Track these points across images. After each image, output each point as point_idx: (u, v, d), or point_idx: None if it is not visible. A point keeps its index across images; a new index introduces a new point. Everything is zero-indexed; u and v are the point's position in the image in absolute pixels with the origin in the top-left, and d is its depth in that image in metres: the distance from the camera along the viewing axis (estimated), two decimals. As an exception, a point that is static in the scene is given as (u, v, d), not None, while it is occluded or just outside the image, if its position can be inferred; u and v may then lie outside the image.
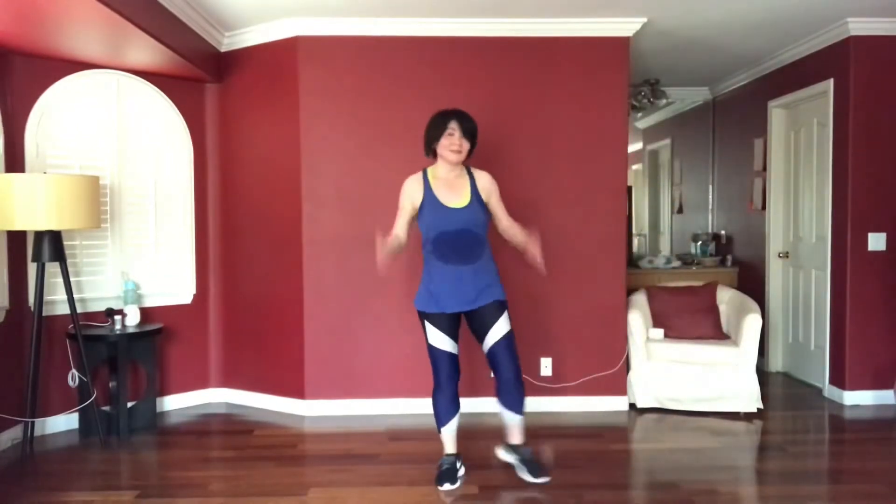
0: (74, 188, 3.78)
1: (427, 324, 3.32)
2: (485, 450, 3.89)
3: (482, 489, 3.33)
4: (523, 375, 4.52)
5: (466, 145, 3.28)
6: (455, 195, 3.28)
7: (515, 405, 3.37)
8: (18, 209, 3.68)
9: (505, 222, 3.42)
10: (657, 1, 4.13)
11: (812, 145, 5.19)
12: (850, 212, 4.68)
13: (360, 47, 4.51)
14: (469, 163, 3.43)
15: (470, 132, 3.29)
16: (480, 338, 3.35)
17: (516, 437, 3.45)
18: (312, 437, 4.20)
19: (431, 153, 3.35)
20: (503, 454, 3.53)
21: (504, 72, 4.55)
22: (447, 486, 3.30)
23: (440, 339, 3.30)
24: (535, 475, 3.36)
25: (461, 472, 3.42)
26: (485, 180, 3.37)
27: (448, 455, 3.43)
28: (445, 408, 3.37)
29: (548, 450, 3.84)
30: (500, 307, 3.32)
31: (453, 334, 3.34)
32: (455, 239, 3.24)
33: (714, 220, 6.65)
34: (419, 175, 3.35)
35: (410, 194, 3.31)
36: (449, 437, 3.43)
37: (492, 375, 3.47)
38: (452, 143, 3.25)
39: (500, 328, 3.30)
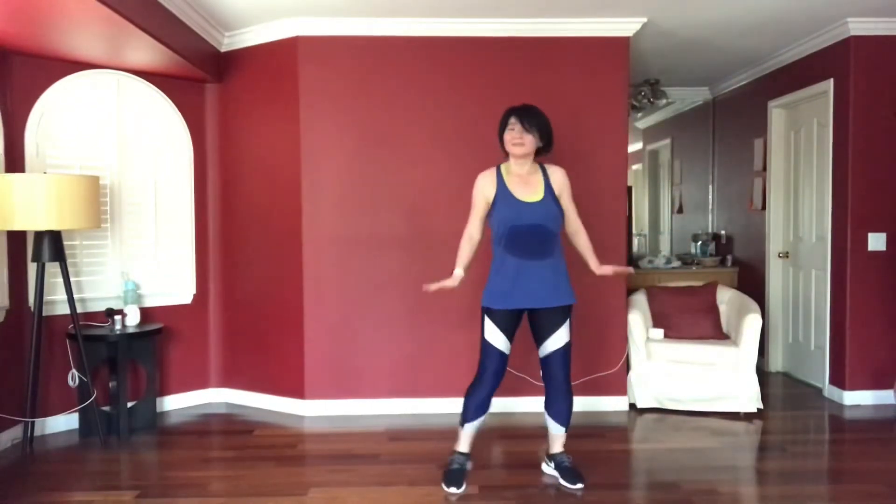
0: (74, 188, 3.78)
1: (486, 318, 3.30)
2: (485, 450, 3.90)
3: (482, 489, 3.33)
4: (522, 375, 4.54)
5: (529, 138, 3.26)
6: (529, 190, 3.28)
7: (562, 417, 3.39)
8: (18, 209, 3.68)
9: (574, 224, 3.43)
10: (657, 1, 4.13)
11: (812, 145, 5.19)
12: (850, 212, 4.68)
13: (361, 47, 4.51)
14: (543, 160, 3.42)
15: (535, 125, 3.26)
16: (539, 340, 3.35)
17: (557, 447, 3.45)
18: (312, 437, 4.20)
19: (503, 149, 3.36)
20: (546, 468, 3.52)
21: (504, 72, 4.55)
22: (453, 490, 3.28)
23: (496, 337, 3.28)
24: (569, 481, 3.34)
25: (469, 469, 3.42)
26: (558, 175, 3.37)
27: (460, 453, 3.40)
28: (478, 403, 3.32)
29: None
30: (564, 313, 3.32)
31: (510, 333, 3.31)
32: (528, 234, 3.24)
33: (714, 220, 6.65)
34: (493, 170, 3.34)
35: (483, 189, 3.30)
36: (469, 434, 3.40)
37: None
38: (514, 136, 3.26)
39: (559, 338, 3.31)
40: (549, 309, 3.29)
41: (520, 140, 3.25)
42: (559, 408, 3.38)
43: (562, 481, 3.37)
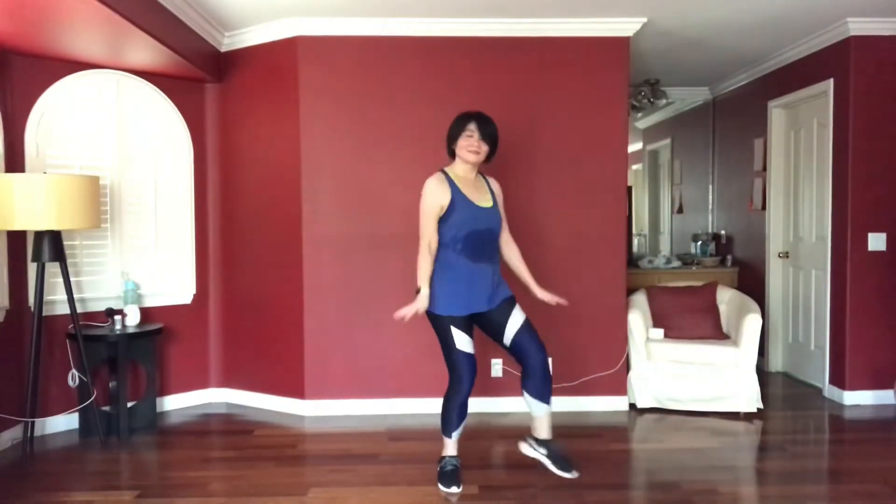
0: (74, 188, 3.78)
1: (452, 328, 3.25)
2: (485, 450, 3.90)
3: (482, 489, 3.33)
4: (518, 373, 4.54)
5: (485, 147, 3.30)
6: (480, 195, 3.34)
7: (543, 394, 3.28)
8: (18, 209, 3.68)
9: (507, 234, 3.51)
10: (657, 1, 4.13)
11: (812, 145, 5.19)
12: (850, 212, 4.68)
13: (360, 47, 4.51)
14: (483, 168, 3.44)
15: (490, 136, 3.31)
16: (499, 335, 3.33)
17: (544, 432, 3.34)
18: (312, 437, 4.20)
19: (451, 153, 3.38)
20: (527, 449, 3.40)
21: (504, 72, 4.55)
22: (454, 490, 3.27)
23: (465, 343, 3.27)
24: (565, 470, 3.30)
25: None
26: (497, 186, 3.48)
27: (451, 456, 3.39)
28: (459, 412, 3.32)
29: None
30: (511, 302, 3.36)
31: (472, 336, 3.32)
32: (483, 238, 3.29)
33: (714, 220, 6.65)
34: (440, 176, 3.29)
35: (437, 196, 3.24)
36: (455, 441, 3.40)
37: (518, 372, 3.40)
38: (471, 144, 3.27)
39: (517, 318, 3.31)
40: (503, 301, 3.34)
41: (477, 148, 3.28)
42: (539, 384, 3.26)
43: (555, 469, 3.30)
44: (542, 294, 3.44)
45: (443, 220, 3.26)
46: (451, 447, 3.40)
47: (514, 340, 3.30)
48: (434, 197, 3.24)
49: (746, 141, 6.03)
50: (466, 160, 3.30)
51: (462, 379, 3.27)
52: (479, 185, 3.38)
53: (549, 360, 3.38)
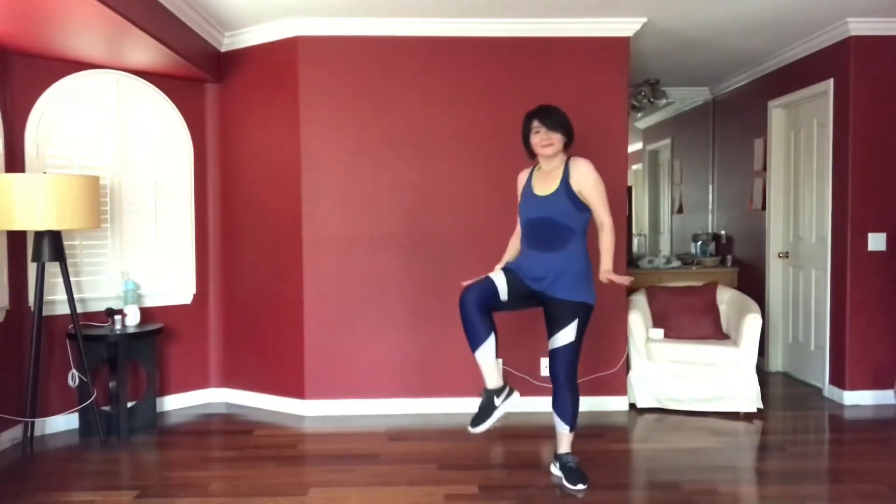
0: (74, 188, 3.78)
1: (501, 270, 3.38)
2: (485, 450, 3.90)
3: (482, 489, 3.33)
4: (522, 374, 4.54)
5: (556, 136, 3.32)
6: (547, 184, 3.35)
7: (565, 415, 3.37)
8: (18, 209, 3.67)
9: (598, 218, 3.34)
10: (657, 1, 4.13)
11: (812, 145, 5.19)
12: (850, 212, 4.68)
13: (360, 47, 4.51)
14: (571, 151, 3.43)
15: (557, 124, 3.33)
16: (549, 333, 3.34)
17: (563, 447, 3.44)
18: (312, 437, 4.20)
19: (530, 153, 3.44)
20: (554, 469, 3.51)
21: (504, 72, 4.55)
22: (469, 429, 3.32)
23: (496, 274, 3.35)
24: (570, 482, 3.33)
25: (506, 402, 3.33)
26: (579, 169, 3.32)
27: (488, 389, 3.33)
28: (467, 328, 3.24)
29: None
30: (574, 311, 3.27)
31: (513, 286, 3.29)
32: (537, 226, 3.32)
33: (714, 220, 6.65)
34: (527, 169, 3.51)
35: (518, 186, 3.50)
36: (483, 365, 3.28)
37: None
38: (541, 138, 3.33)
39: (565, 335, 3.27)
40: (558, 301, 3.27)
41: (548, 140, 3.32)
42: (561, 405, 3.37)
43: (564, 482, 3.36)
44: (603, 275, 3.28)
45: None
46: (486, 374, 3.31)
47: (553, 353, 3.33)
48: (517, 187, 3.52)
49: (746, 141, 6.03)
50: (544, 155, 3.36)
51: (463, 292, 3.27)
52: (554, 173, 3.35)
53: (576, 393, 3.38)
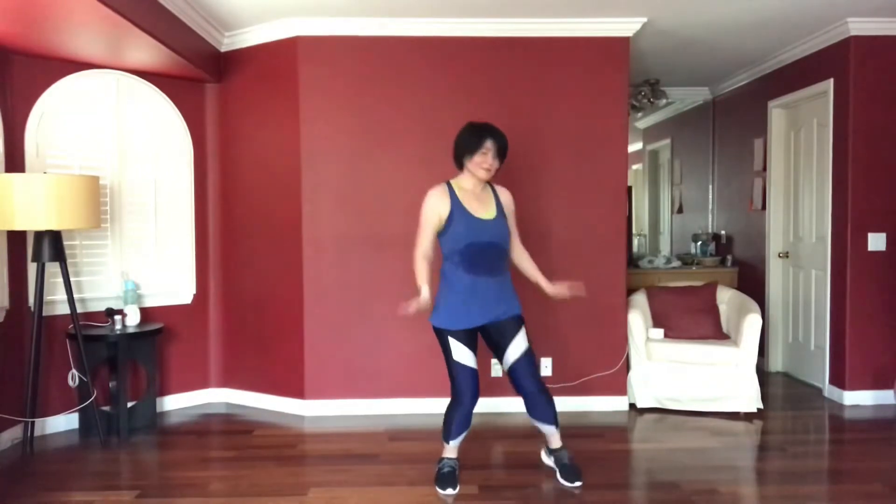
0: (74, 188, 3.78)
1: (451, 340, 3.25)
2: (484, 450, 3.90)
3: (482, 489, 3.33)
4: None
5: (497, 164, 3.28)
6: (483, 207, 3.29)
7: (547, 417, 3.36)
8: (18, 209, 3.67)
9: (517, 245, 3.45)
10: (657, 1, 4.13)
11: (812, 145, 5.19)
12: (850, 212, 4.68)
13: (360, 47, 4.51)
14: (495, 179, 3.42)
15: (503, 150, 3.29)
16: (500, 353, 3.32)
17: (555, 442, 3.45)
18: (312, 437, 4.20)
19: (459, 165, 3.34)
20: (545, 457, 3.56)
21: (504, 72, 4.55)
22: (449, 491, 3.28)
23: (465, 356, 3.26)
24: (567, 479, 3.35)
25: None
26: (506, 197, 3.41)
27: (449, 458, 3.41)
28: (459, 422, 3.32)
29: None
30: (518, 322, 3.32)
31: (475, 349, 3.30)
32: (485, 251, 3.24)
33: (714, 220, 6.65)
34: (443, 187, 3.30)
35: (437, 207, 3.25)
36: (454, 447, 3.41)
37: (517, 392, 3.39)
38: (486, 160, 3.24)
39: (519, 344, 3.28)
40: (509, 319, 3.29)
41: (489, 166, 3.26)
42: (542, 411, 3.34)
43: (560, 479, 3.37)
44: (553, 289, 3.36)
45: (442, 233, 3.27)
46: (450, 450, 3.41)
47: (512, 367, 3.31)
48: (432, 209, 3.25)
49: (746, 141, 6.03)
50: (480, 177, 3.28)
51: (461, 392, 3.28)
52: (484, 196, 3.32)
53: (547, 390, 3.38)
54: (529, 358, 3.30)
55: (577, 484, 3.32)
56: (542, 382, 3.35)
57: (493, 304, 3.26)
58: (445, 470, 3.35)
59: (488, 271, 3.25)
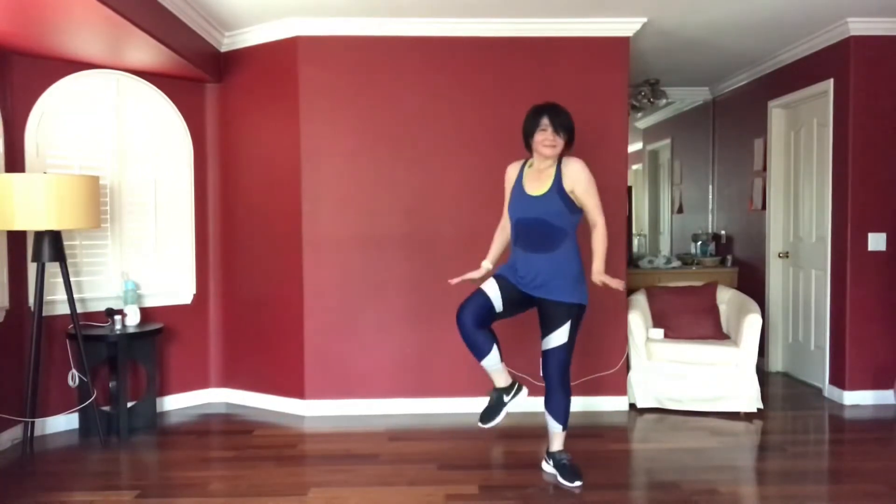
0: (74, 188, 3.78)
1: (492, 278, 3.35)
2: (485, 450, 3.90)
3: (482, 489, 3.33)
4: (522, 375, 4.54)
5: (560, 140, 3.29)
6: (539, 183, 3.31)
7: (557, 413, 3.41)
8: (18, 209, 3.67)
9: (591, 217, 3.33)
10: (657, 1, 4.13)
11: (812, 145, 5.19)
12: (850, 212, 4.68)
13: (360, 47, 4.51)
14: (569, 153, 3.40)
15: (564, 127, 3.29)
16: (542, 334, 3.36)
17: (556, 444, 3.48)
18: (312, 437, 4.20)
19: (528, 147, 3.37)
20: (545, 466, 3.56)
21: (504, 72, 4.55)
22: (480, 425, 3.38)
23: (490, 286, 3.32)
24: (567, 479, 3.36)
25: (515, 398, 3.42)
26: (572, 170, 3.28)
27: (495, 389, 3.42)
28: (470, 342, 3.28)
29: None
30: (567, 313, 3.27)
31: (506, 295, 3.29)
32: (529, 226, 3.28)
33: (714, 220, 6.65)
34: (520, 162, 3.44)
35: (509, 179, 3.44)
36: (491, 370, 3.36)
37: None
38: (546, 138, 3.27)
39: (558, 336, 3.29)
40: (551, 303, 3.28)
41: (552, 142, 3.27)
42: (554, 405, 3.40)
43: (560, 479, 3.38)
44: (596, 276, 3.28)
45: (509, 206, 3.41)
46: (494, 378, 3.40)
47: (545, 353, 3.35)
48: (507, 180, 3.45)
49: (746, 141, 6.03)
50: (544, 155, 3.29)
51: (464, 304, 3.30)
52: (546, 172, 3.31)
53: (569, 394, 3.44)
54: (562, 353, 3.32)
55: (577, 484, 3.33)
56: (565, 381, 3.37)
57: (536, 280, 3.26)
58: (489, 403, 3.42)
59: (535, 247, 3.27)
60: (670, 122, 7.08)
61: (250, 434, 4.26)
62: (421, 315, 4.58)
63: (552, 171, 3.31)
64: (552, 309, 3.28)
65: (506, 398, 3.40)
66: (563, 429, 3.44)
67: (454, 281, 3.45)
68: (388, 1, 4.11)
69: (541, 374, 3.44)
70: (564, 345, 3.30)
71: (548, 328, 3.31)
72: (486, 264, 3.45)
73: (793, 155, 5.52)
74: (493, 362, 3.32)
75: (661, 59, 5.47)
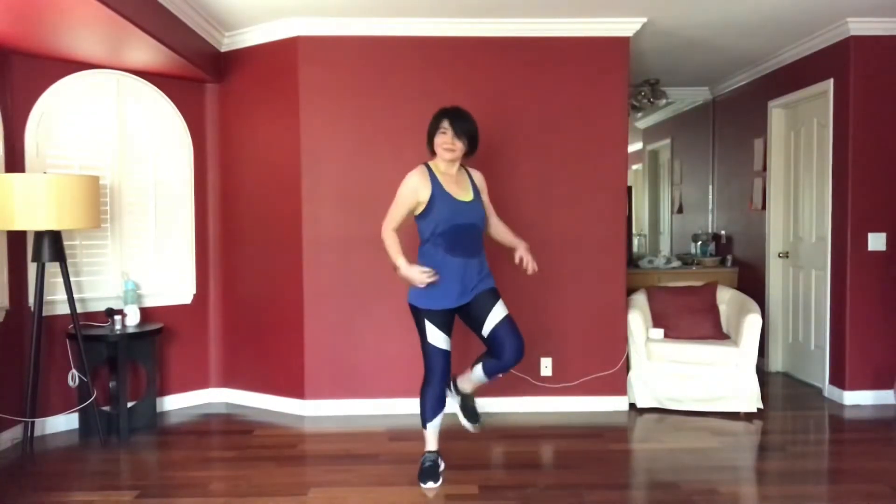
0: (74, 188, 3.78)
1: (426, 322, 3.32)
2: (485, 450, 3.90)
3: (482, 489, 3.33)
4: (522, 375, 4.54)
5: (459, 144, 3.30)
6: (461, 190, 3.35)
7: (492, 374, 3.41)
8: (18, 209, 3.68)
9: (494, 219, 3.55)
10: (657, 1, 4.13)
11: (812, 145, 5.19)
12: (850, 212, 4.68)
13: (361, 47, 4.51)
14: (468, 163, 3.49)
15: (465, 132, 3.30)
16: (478, 326, 3.34)
17: (467, 386, 3.54)
18: (312, 437, 4.20)
19: (431, 149, 3.39)
20: (448, 393, 3.54)
21: (504, 72, 4.55)
22: (430, 485, 3.34)
23: (438, 338, 3.32)
24: (470, 420, 3.54)
25: (442, 468, 3.45)
26: (479, 178, 3.50)
27: (430, 452, 3.44)
28: (433, 404, 3.39)
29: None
30: (494, 294, 3.37)
31: (449, 331, 3.37)
32: (465, 232, 3.30)
33: (714, 220, 6.65)
34: (423, 169, 3.33)
35: (417, 189, 3.27)
36: (433, 433, 3.45)
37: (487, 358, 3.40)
38: (444, 141, 3.29)
39: (499, 311, 3.33)
40: (486, 292, 3.34)
41: (451, 146, 3.29)
42: (495, 367, 3.35)
43: (461, 419, 3.56)
44: (522, 253, 3.42)
45: (423, 216, 3.31)
46: (430, 441, 3.45)
47: (493, 330, 3.31)
48: (411, 189, 3.28)
49: (746, 141, 6.03)
50: (442, 157, 3.32)
51: (432, 371, 3.35)
52: (460, 179, 3.39)
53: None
54: (511, 321, 3.32)
55: (477, 426, 3.54)
56: (521, 353, 3.32)
57: (473, 284, 3.32)
58: (426, 465, 3.40)
59: (468, 252, 3.31)
60: (670, 122, 7.08)
61: (250, 434, 4.26)
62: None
63: (466, 178, 3.42)
64: (485, 296, 3.33)
65: (440, 462, 3.46)
66: (490, 378, 3.44)
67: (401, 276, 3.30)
68: (388, 1, 4.11)
69: (496, 350, 3.32)
70: (509, 315, 3.35)
71: (486, 309, 3.31)
72: (402, 261, 3.27)
73: (793, 155, 5.52)
74: (440, 422, 3.45)
75: (661, 59, 5.47)
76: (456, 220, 3.27)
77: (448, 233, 3.27)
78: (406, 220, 3.37)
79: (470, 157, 3.43)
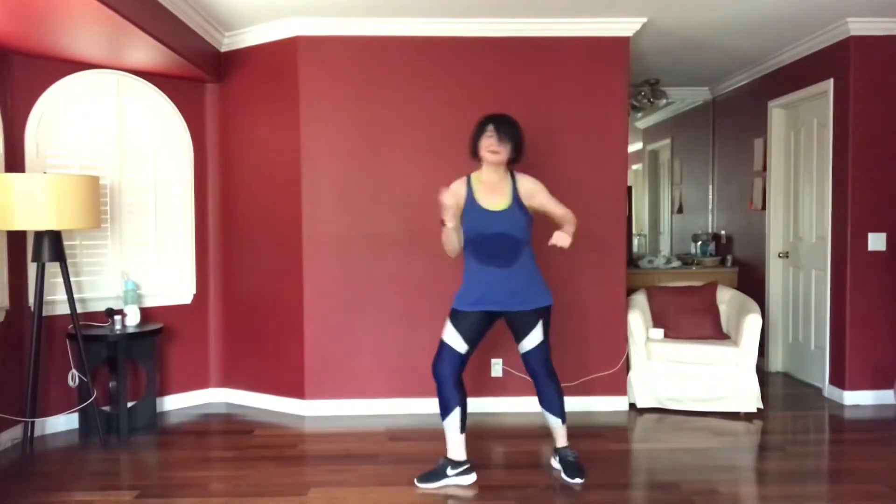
0: (74, 188, 3.78)
1: (448, 318, 3.37)
2: (485, 450, 3.90)
3: (482, 489, 3.33)
4: (522, 375, 4.54)
5: (505, 147, 3.30)
6: (496, 198, 3.33)
7: (553, 408, 3.45)
8: (18, 209, 3.67)
9: (560, 212, 3.39)
10: (657, 1, 4.13)
11: (812, 145, 5.19)
12: (850, 212, 4.68)
13: (360, 47, 4.51)
14: (519, 168, 3.46)
15: (509, 135, 3.31)
16: (516, 340, 3.43)
17: (560, 440, 3.52)
18: (312, 437, 4.20)
19: (475, 156, 3.40)
20: (553, 462, 3.58)
21: (504, 72, 4.55)
22: (423, 486, 3.35)
23: (453, 338, 3.34)
24: (569, 475, 3.41)
25: (460, 477, 3.37)
26: (527, 182, 3.39)
27: (446, 458, 3.40)
28: (441, 402, 3.36)
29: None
30: (536, 315, 3.35)
31: (471, 335, 3.34)
32: (492, 242, 3.29)
33: (714, 220, 6.65)
34: (463, 180, 3.41)
35: (454, 192, 3.32)
36: (448, 436, 3.39)
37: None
38: (490, 143, 3.30)
39: (534, 338, 3.36)
40: (523, 314, 3.34)
41: (496, 149, 3.30)
42: (548, 398, 3.44)
43: (562, 475, 3.42)
44: (557, 237, 3.23)
45: (462, 223, 3.35)
46: (452, 443, 3.38)
47: (526, 355, 3.41)
48: (451, 192, 3.30)
49: (746, 141, 6.03)
50: (487, 160, 3.33)
51: (435, 364, 3.35)
52: (501, 186, 3.35)
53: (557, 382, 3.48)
54: (543, 350, 3.39)
55: (578, 481, 3.35)
56: (552, 373, 3.43)
57: (503, 296, 3.30)
58: (438, 466, 3.42)
59: (499, 262, 3.30)
60: (670, 122, 7.08)
61: (250, 434, 4.26)
62: (421, 315, 4.58)
63: (507, 186, 3.35)
64: (524, 317, 3.34)
65: (450, 471, 3.37)
66: (563, 422, 3.47)
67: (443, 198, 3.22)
68: (388, 1, 4.11)
69: (528, 377, 3.50)
70: (543, 342, 3.38)
71: (522, 334, 3.38)
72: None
73: (793, 155, 5.52)
74: (454, 422, 3.36)
75: (661, 59, 5.47)
76: (480, 230, 3.29)
77: (474, 241, 3.32)
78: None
79: (516, 164, 3.41)
